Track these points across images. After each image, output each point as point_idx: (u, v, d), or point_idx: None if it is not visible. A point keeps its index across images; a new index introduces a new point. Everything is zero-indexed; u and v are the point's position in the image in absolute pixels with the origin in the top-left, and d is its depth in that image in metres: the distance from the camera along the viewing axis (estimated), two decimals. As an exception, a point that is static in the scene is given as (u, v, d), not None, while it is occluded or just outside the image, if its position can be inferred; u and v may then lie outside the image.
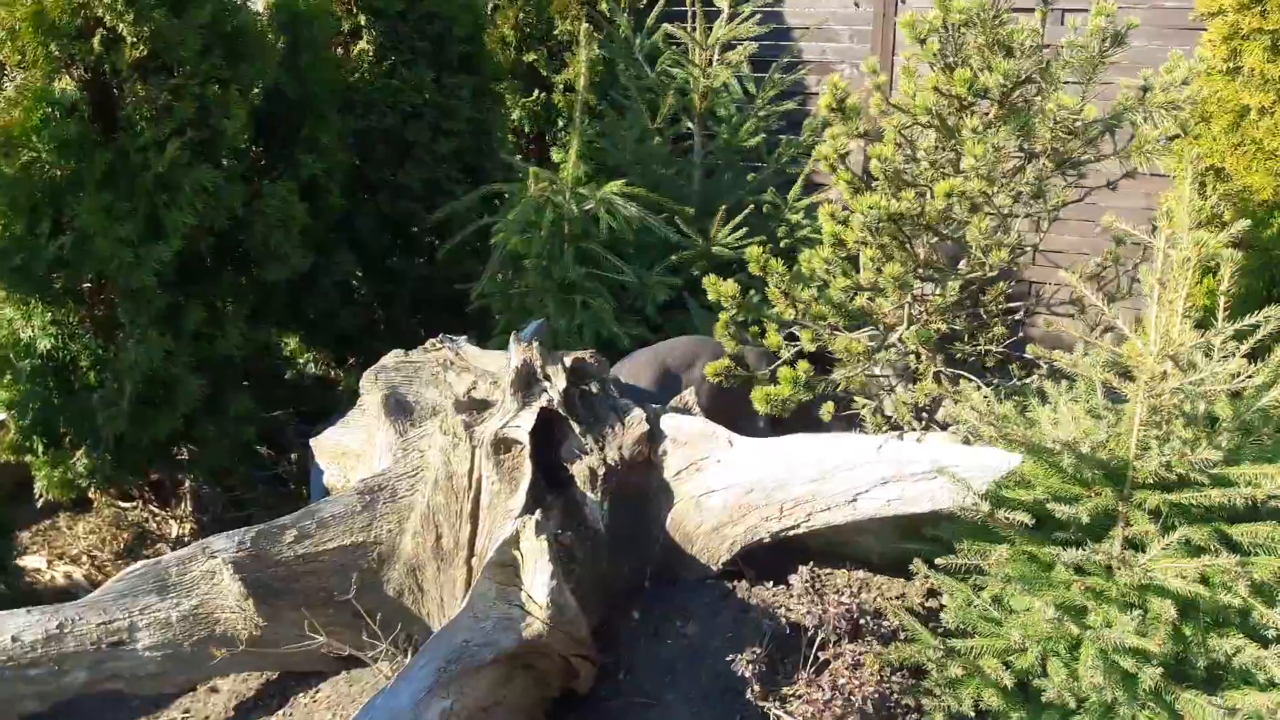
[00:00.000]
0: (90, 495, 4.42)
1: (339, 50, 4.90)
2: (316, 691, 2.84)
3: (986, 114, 3.04)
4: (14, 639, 2.56)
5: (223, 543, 2.70)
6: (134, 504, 4.61)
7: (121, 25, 3.57)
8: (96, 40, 3.61)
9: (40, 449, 4.03)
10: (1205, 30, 4.09)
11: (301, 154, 4.31)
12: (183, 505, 4.51)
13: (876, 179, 3.10)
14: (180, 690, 2.93)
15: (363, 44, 4.91)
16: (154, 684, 2.72)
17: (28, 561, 4.20)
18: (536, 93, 6.24)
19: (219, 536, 2.73)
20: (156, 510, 4.60)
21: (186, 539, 4.25)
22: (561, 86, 6.11)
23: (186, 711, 3.00)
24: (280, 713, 2.81)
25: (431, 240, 5.43)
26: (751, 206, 4.38)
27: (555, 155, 6.51)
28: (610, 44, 5.05)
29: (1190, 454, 2.29)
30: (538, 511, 2.48)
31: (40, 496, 4.09)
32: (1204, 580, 2.29)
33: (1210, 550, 2.32)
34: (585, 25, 4.34)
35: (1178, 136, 3.18)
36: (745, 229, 4.24)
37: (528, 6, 6.08)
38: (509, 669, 2.29)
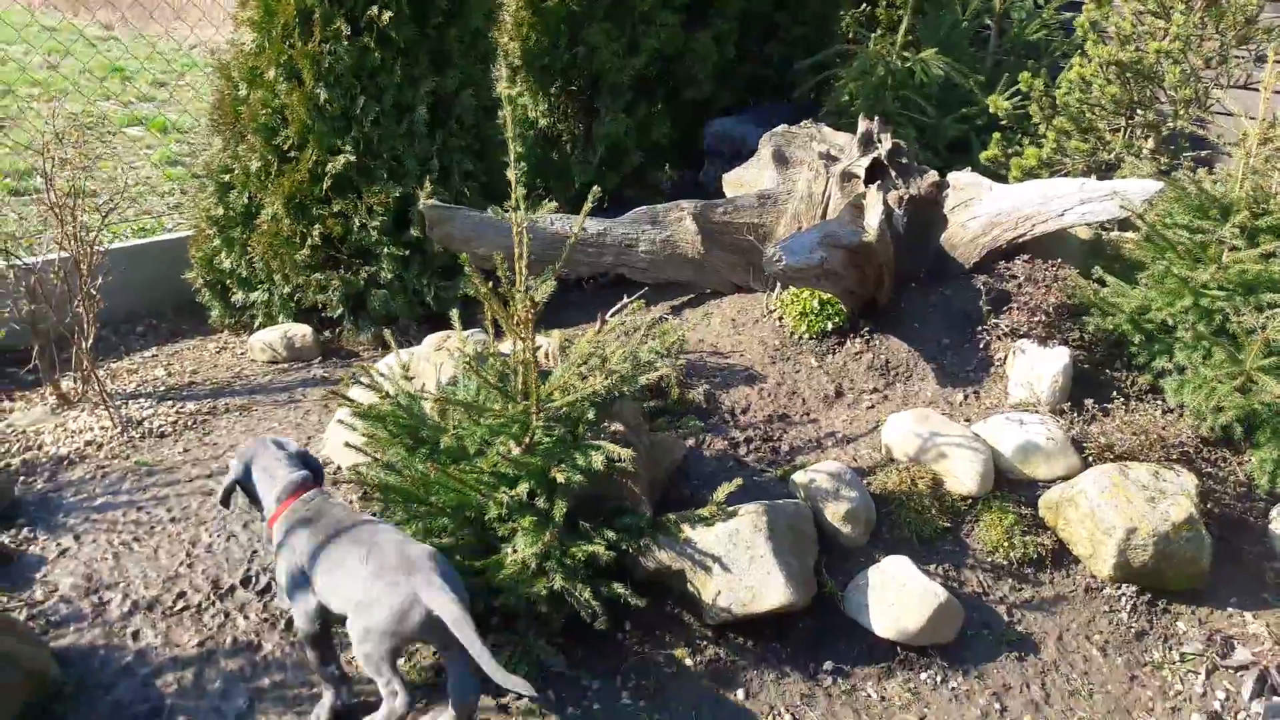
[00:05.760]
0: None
1: (740, -49, 6.96)
2: (719, 304, 4.95)
3: (1194, 5, 4.65)
4: (585, 229, 4.81)
5: (687, 203, 4.83)
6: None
7: (636, -83, 5.75)
8: (613, -75, 5.81)
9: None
10: None
11: (714, 18, 6.42)
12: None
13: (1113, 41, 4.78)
14: (654, 282, 5.12)
15: (755, -50, 6.95)
16: (641, 274, 4.91)
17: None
18: (864, 4, 8.09)
19: (686, 200, 4.86)
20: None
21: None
22: (885, 2, 7.93)
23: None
24: (700, 308, 4.94)
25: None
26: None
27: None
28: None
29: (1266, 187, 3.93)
30: (876, 183, 4.43)
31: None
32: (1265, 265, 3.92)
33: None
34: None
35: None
36: (1019, 97, 5.94)
37: (868, -65, 7.92)
38: (850, 259, 4.26)
